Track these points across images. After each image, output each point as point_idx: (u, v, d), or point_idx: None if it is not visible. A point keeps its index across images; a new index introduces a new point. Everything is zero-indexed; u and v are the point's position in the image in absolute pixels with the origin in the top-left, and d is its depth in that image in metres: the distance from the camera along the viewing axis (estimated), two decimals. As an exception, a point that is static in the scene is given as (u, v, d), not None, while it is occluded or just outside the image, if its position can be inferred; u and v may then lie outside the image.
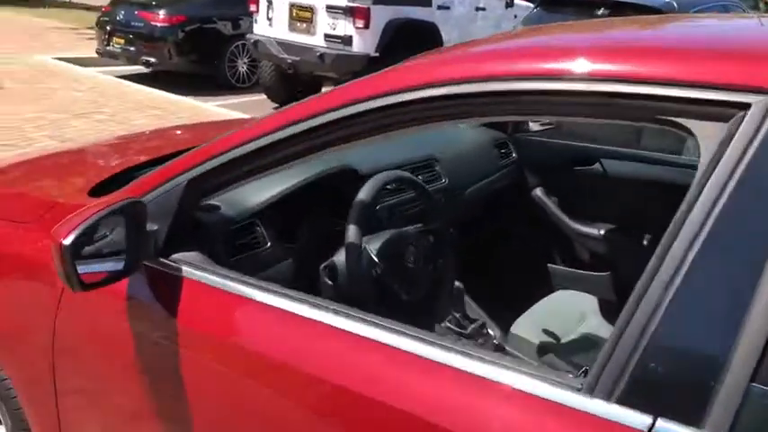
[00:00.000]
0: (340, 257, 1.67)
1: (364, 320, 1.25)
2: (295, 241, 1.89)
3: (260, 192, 1.83)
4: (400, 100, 1.25)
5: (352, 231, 1.67)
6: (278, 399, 1.35)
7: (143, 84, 9.08)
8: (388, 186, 2.07)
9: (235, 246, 1.70)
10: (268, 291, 1.38)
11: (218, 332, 1.44)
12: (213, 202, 1.75)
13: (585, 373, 1.04)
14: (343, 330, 1.26)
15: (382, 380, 1.22)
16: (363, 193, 1.74)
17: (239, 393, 1.40)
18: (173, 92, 8.67)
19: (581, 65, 1.14)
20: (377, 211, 2.03)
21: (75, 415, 1.77)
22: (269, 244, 1.79)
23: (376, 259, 1.72)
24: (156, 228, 1.51)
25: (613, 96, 1.08)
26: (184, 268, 1.49)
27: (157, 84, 9.10)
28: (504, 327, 2.25)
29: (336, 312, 1.28)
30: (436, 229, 1.96)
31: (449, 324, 2.21)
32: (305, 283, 1.83)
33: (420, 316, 1.80)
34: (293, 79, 8.17)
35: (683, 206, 0.99)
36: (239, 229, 1.73)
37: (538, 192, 2.87)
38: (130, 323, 1.55)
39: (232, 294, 1.41)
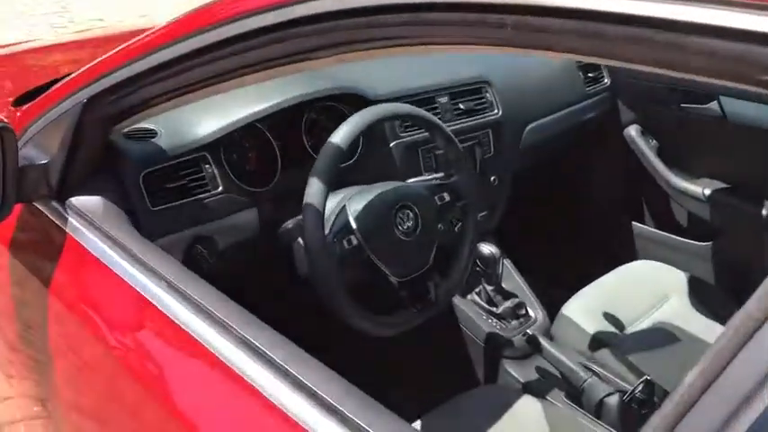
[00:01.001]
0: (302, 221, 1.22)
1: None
2: (266, 186, 1.45)
3: (218, 116, 1.39)
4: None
5: (313, 188, 1.20)
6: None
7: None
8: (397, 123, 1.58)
9: (164, 188, 1.29)
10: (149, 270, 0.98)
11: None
12: (150, 126, 1.35)
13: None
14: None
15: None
16: (339, 135, 1.26)
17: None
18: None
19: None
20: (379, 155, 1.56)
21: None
22: (221, 188, 1.36)
23: (353, 224, 1.27)
24: (46, 162, 1.14)
25: None
26: (70, 220, 1.12)
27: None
28: (555, 307, 1.75)
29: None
30: (458, 183, 1.45)
31: (477, 297, 1.75)
32: (269, 245, 1.41)
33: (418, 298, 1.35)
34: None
35: None
36: (177, 167, 1.32)
37: (632, 131, 2.25)
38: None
39: (104, 266, 1.03)
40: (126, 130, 1.29)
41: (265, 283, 1.55)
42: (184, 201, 1.30)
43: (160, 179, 1.28)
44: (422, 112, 1.38)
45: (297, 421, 0.72)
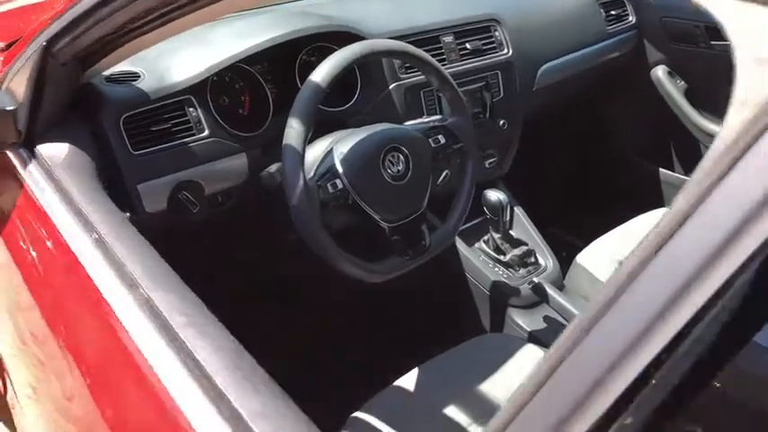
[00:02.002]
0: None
1: None
2: (256, 130, 1.40)
3: (203, 58, 1.34)
4: None
5: (291, 129, 1.14)
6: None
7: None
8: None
9: (147, 132, 1.25)
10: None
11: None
12: (132, 68, 1.31)
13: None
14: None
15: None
16: (318, 74, 1.18)
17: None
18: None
19: None
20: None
21: None
22: (207, 132, 1.31)
23: (339, 167, 1.21)
24: (13, 107, 1.11)
25: None
26: (29, 168, 1.09)
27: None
28: (569, 256, 1.68)
29: None
30: (454, 125, 1.37)
31: (484, 245, 1.69)
32: (254, 188, 1.37)
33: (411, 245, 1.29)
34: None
35: None
36: (161, 110, 1.27)
37: (659, 72, 2.13)
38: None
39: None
40: (107, 72, 1.26)
41: (254, 231, 1.52)
42: (168, 145, 1.26)
43: (142, 123, 1.24)
44: (409, 47, 1.30)
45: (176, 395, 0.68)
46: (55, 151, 1.10)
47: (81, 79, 1.15)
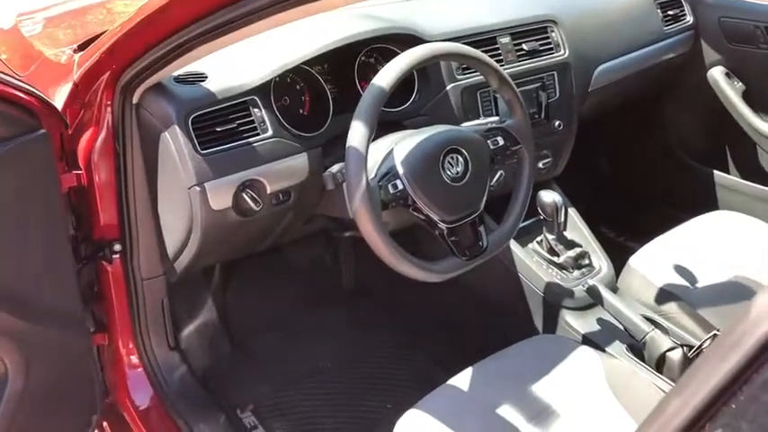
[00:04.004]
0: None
1: None
2: (316, 130, 1.43)
3: (268, 60, 1.37)
4: None
5: (355, 131, 1.16)
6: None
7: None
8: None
9: (213, 132, 1.28)
10: None
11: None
12: (199, 69, 1.35)
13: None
14: None
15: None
16: (382, 77, 1.20)
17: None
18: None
19: None
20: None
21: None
22: (270, 132, 1.35)
23: (400, 168, 1.23)
24: None
25: None
26: None
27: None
28: (621, 258, 1.67)
29: None
30: (512, 126, 1.37)
31: (538, 247, 1.69)
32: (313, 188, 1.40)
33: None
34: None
35: None
36: (227, 110, 1.31)
37: (716, 73, 2.10)
38: None
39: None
40: (176, 73, 1.30)
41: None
42: (233, 144, 1.30)
43: (209, 122, 1.28)
44: (470, 50, 1.32)
45: None
46: None
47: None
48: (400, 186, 1.21)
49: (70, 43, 1.53)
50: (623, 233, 2.05)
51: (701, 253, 1.62)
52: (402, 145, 1.26)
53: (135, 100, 1.27)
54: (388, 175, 1.22)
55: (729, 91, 2.07)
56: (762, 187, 2.03)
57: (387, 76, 1.20)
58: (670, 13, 2.07)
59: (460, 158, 1.26)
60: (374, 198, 1.17)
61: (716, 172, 2.15)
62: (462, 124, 1.42)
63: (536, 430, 1.15)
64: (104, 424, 1.62)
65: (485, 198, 1.30)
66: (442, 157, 1.24)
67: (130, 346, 1.49)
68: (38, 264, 1.24)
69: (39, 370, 1.27)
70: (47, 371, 1.30)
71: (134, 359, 1.50)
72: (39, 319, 1.25)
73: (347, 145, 1.16)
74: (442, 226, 1.26)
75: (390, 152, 1.26)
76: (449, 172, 1.25)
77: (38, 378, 1.27)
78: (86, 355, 1.42)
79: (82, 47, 1.47)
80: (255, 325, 1.91)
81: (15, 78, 1.17)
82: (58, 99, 1.32)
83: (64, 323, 1.32)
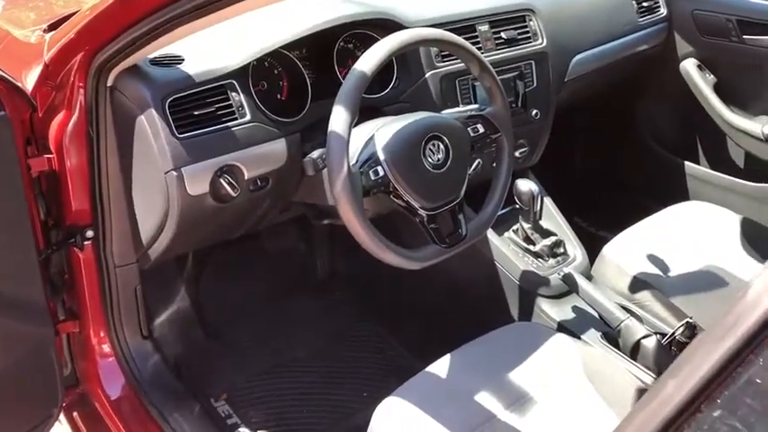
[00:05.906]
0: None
1: None
2: (295, 115, 1.41)
3: (245, 43, 1.35)
4: None
5: (336, 116, 1.15)
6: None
7: None
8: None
9: (191, 116, 1.25)
10: None
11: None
12: (176, 52, 1.32)
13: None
14: None
15: None
16: (363, 62, 1.19)
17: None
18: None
19: None
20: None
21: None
22: (248, 117, 1.32)
23: (381, 154, 1.22)
24: None
25: None
26: None
27: None
28: (598, 248, 1.69)
29: None
30: (492, 114, 1.37)
31: (514, 235, 1.70)
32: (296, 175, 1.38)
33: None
34: None
35: None
36: (204, 93, 1.28)
37: (688, 65, 2.12)
38: None
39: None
40: (152, 55, 1.27)
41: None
42: (211, 128, 1.27)
43: (186, 106, 1.25)
44: (453, 36, 1.31)
45: None
46: None
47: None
48: (381, 173, 1.20)
49: (35, 24, 1.49)
50: (596, 223, 2.07)
51: (673, 242, 1.65)
52: (383, 131, 1.25)
53: (109, 82, 1.23)
54: (370, 161, 1.21)
55: (701, 83, 2.10)
56: (731, 178, 2.06)
57: (369, 61, 1.18)
58: (645, 4, 2.09)
59: (442, 145, 1.26)
60: (355, 184, 1.16)
61: (687, 163, 2.18)
62: (443, 112, 1.41)
63: (513, 417, 1.16)
64: (75, 415, 1.59)
65: (464, 185, 1.30)
66: (423, 144, 1.23)
67: (102, 334, 1.46)
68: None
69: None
70: (3, 361, 1.26)
71: (106, 348, 1.47)
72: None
73: (329, 129, 1.15)
74: (423, 213, 1.25)
75: (371, 138, 1.25)
76: (430, 159, 1.24)
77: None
78: (48, 346, 1.37)
79: (53, 26, 1.43)
80: (229, 313, 1.89)
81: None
82: (29, 80, 1.28)
83: (24, 312, 1.27)
